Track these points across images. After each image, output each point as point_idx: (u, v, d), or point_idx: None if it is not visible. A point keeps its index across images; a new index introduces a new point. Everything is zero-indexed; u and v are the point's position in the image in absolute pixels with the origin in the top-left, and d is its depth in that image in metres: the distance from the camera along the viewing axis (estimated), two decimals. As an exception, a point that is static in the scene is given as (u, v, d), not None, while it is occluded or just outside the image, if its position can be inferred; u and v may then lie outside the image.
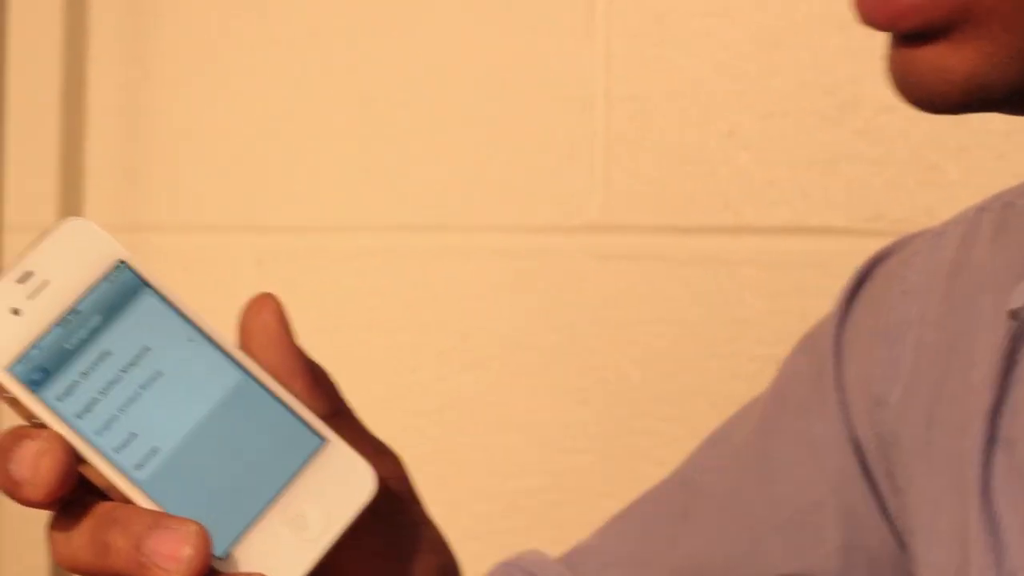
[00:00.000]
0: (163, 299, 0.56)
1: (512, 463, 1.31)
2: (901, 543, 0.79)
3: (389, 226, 1.38)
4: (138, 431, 0.54)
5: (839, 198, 1.19)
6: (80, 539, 0.52)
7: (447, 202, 1.35)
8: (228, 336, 0.57)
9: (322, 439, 0.57)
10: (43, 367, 0.53)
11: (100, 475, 0.53)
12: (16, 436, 0.52)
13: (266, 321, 0.58)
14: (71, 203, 1.53)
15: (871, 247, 0.89)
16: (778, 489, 0.82)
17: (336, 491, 0.56)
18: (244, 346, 0.58)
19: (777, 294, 1.21)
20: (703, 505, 0.85)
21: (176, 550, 0.51)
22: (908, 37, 0.58)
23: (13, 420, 0.54)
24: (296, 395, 0.57)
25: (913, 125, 1.16)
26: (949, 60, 0.57)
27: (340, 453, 0.57)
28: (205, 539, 0.51)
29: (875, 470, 0.79)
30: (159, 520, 0.51)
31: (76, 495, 0.53)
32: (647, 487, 0.92)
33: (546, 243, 1.30)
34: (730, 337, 1.22)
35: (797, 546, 0.81)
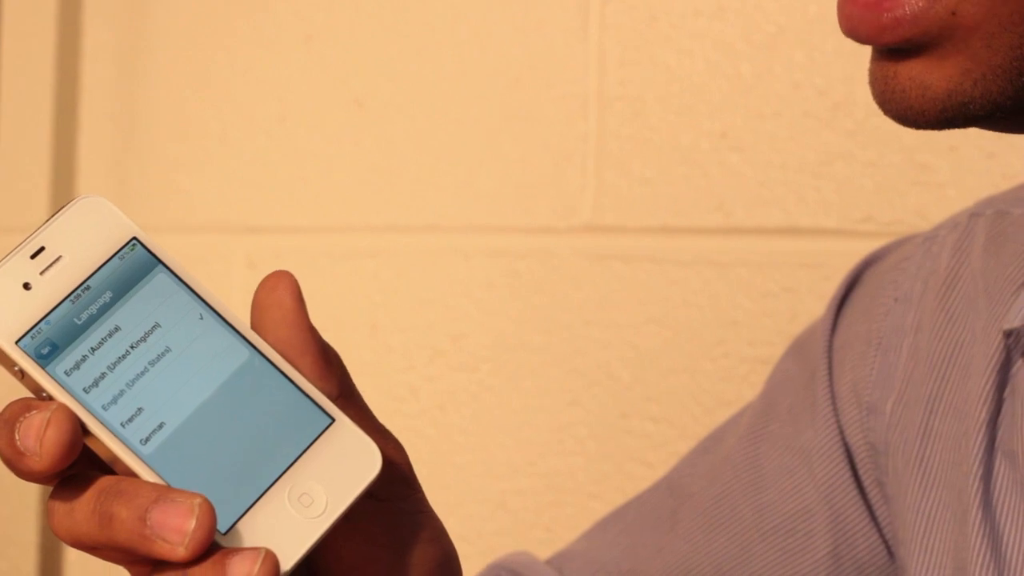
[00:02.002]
0: (175, 276, 0.57)
1: (502, 464, 1.31)
2: (890, 552, 0.78)
3: (381, 227, 1.38)
4: (145, 406, 0.54)
5: (831, 199, 1.19)
6: (83, 510, 0.53)
7: (439, 203, 1.35)
8: (238, 314, 0.58)
9: (330, 418, 0.57)
10: (52, 341, 0.54)
11: (105, 448, 0.54)
12: (22, 407, 0.53)
13: (280, 298, 0.58)
14: (62, 204, 1.52)
15: (862, 248, 0.89)
16: (767, 496, 0.82)
17: (342, 470, 0.56)
18: (257, 322, 0.58)
19: (768, 295, 1.21)
20: (691, 511, 0.85)
21: (180, 523, 0.51)
22: (890, 51, 0.59)
23: (22, 393, 0.55)
24: (305, 374, 0.57)
25: (904, 127, 1.16)
26: (929, 76, 0.58)
27: (347, 432, 0.57)
28: (209, 512, 0.51)
29: (865, 478, 0.79)
30: (164, 493, 0.52)
31: (79, 469, 0.53)
32: (637, 489, 0.92)
33: (538, 244, 1.30)
34: (721, 338, 1.22)
35: (786, 553, 0.81)
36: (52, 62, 1.53)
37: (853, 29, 0.59)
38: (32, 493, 1.49)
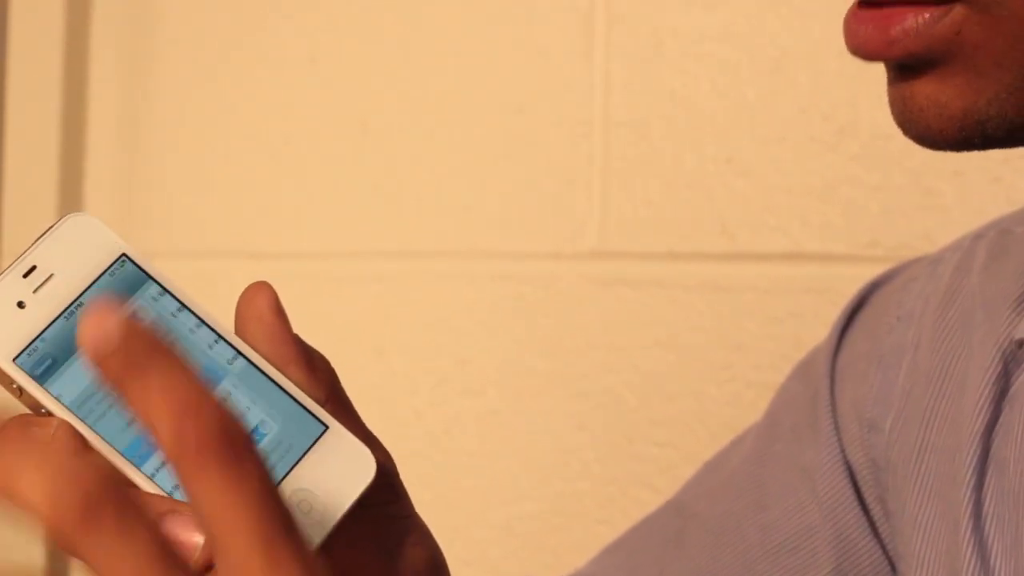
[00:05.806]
0: (165, 290, 0.57)
1: (509, 489, 1.31)
2: (893, 568, 0.78)
3: (387, 252, 1.38)
4: None
5: (837, 224, 1.19)
6: None
7: (445, 228, 1.35)
8: (229, 325, 0.58)
9: (323, 425, 0.57)
10: (49, 358, 0.54)
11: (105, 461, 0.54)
12: (23, 424, 0.52)
13: (261, 309, 0.58)
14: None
15: (869, 273, 0.89)
16: (771, 514, 0.82)
17: (338, 475, 0.56)
18: (240, 334, 0.58)
19: (774, 320, 1.21)
20: (696, 530, 0.85)
21: (191, 537, 0.51)
22: (901, 69, 0.59)
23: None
24: (294, 382, 0.58)
25: (910, 150, 1.15)
26: (944, 94, 0.58)
27: (341, 439, 0.57)
28: None
29: (867, 495, 0.79)
30: (172, 506, 0.52)
31: None
32: (643, 513, 0.92)
33: (544, 269, 1.30)
34: (727, 363, 1.22)
35: (790, 571, 0.81)
36: (58, 85, 1.54)
37: (860, 46, 0.59)
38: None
